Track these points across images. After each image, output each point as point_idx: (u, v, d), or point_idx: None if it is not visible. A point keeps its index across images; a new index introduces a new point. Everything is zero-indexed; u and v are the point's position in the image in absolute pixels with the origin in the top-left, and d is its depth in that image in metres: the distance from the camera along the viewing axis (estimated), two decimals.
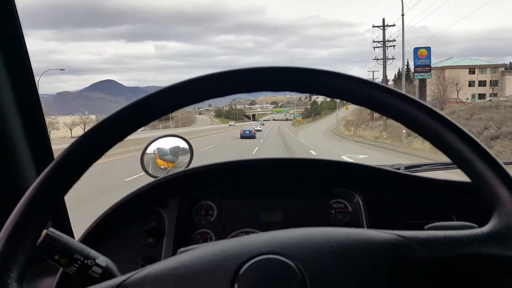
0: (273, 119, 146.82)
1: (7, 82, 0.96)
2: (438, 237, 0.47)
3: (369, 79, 0.51)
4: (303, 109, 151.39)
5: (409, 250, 0.46)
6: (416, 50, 30.95)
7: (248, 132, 34.41)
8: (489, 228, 0.47)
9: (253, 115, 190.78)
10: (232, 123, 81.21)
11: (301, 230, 0.50)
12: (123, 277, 0.46)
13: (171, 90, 0.50)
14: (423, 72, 31.30)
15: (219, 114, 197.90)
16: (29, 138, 1.03)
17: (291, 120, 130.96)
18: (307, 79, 0.51)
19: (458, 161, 0.50)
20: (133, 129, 0.50)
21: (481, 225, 0.84)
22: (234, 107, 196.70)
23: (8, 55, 0.96)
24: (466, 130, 0.49)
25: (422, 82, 32.98)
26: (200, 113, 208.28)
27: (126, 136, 0.50)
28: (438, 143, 0.50)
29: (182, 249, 0.52)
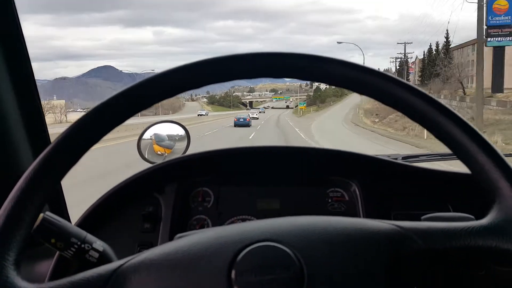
0: (272, 107, 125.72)
1: (4, 67, 0.95)
2: (436, 228, 0.47)
3: (367, 66, 0.50)
4: (305, 96, 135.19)
5: (408, 241, 0.46)
6: (490, 2, 18.73)
7: (242, 120, 32.52)
8: (488, 221, 0.47)
9: (250, 103, 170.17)
10: (203, 112, 64.74)
11: (299, 219, 0.50)
12: (120, 262, 0.46)
13: (167, 75, 0.49)
14: (502, 35, 19.04)
15: (212, 101, 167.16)
16: (26, 122, 1.03)
17: (292, 108, 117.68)
18: (316, 66, 0.50)
19: (459, 152, 0.49)
20: (129, 114, 0.49)
21: (477, 216, 0.86)
22: (230, 94, 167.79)
23: (5, 40, 0.95)
24: (467, 121, 0.48)
25: (499, 51, 19.58)
26: (193, 100, 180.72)
27: (122, 121, 0.49)
28: (439, 133, 0.49)
29: (179, 234, 0.52)
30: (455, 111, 0.49)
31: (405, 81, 0.50)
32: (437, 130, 0.49)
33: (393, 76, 0.50)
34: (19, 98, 1.00)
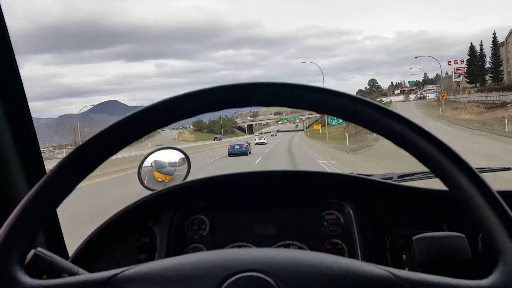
0: (277, 131, 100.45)
1: (1, 102, 0.96)
2: (431, 283, 0.45)
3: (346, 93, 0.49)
4: (318, 116, 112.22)
5: None
6: None
7: (238, 147, 24.86)
8: (488, 283, 0.44)
9: (250, 126, 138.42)
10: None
11: (292, 252, 0.50)
12: (116, 271, 0.47)
13: (179, 100, 0.49)
14: None
15: (199, 127, 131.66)
16: (22, 155, 1.02)
17: (302, 130, 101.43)
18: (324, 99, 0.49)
19: (463, 200, 0.47)
20: (121, 146, 0.50)
21: (470, 235, 0.85)
22: (221, 118, 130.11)
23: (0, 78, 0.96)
24: (472, 166, 0.46)
25: None
26: (172, 128, 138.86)
27: (114, 152, 0.50)
28: (445, 180, 0.48)
29: None
30: (459, 154, 0.47)
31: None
32: (442, 176, 0.48)
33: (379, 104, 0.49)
34: (14, 129, 1.00)
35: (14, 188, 1.00)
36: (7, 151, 0.98)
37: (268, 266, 0.46)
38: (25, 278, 0.46)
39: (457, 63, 68.71)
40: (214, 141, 58.01)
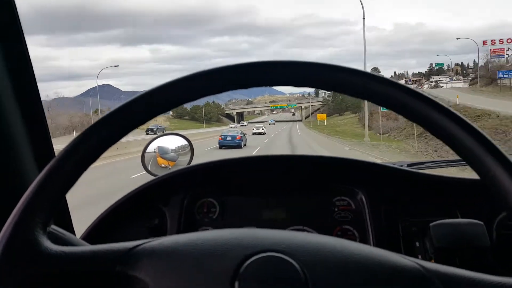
0: (269, 124, 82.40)
1: (9, 82, 0.96)
2: (462, 277, 0.43)
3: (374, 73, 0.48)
4: (319, 103, 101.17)
5: (428, 284, 0.43)
6: None
7: (230, 138, 21.27)
8: None
9: (240, 114, 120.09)
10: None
11: (316, 236, 0.50)
12: (137, 242, 0.48)
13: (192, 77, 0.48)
14: None
15: (180, 113, 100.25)
16: (31, 136, 1.03)
17: (300, 120, 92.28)
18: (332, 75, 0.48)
19: (497, 189, 0.45)
20: (138, 123, 0.49)
21: (485, 223, 0.83)
22: (208, 104, 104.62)
23: (10, 57, 0.96)
24: (507, 155, 0.45)
25: None
26: None
27: (128, 131, 0.50)
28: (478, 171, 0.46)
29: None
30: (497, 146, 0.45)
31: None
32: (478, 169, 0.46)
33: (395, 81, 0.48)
34: (23, 110, 1.00)
35: (22, 172, 1.01)
36: (17, 131, 0.99)
37: (291, 247, 0.45)
38: (47, 243, 0.46)
39: (494, 43, 58.59)
40: (148, 134, 38.66)
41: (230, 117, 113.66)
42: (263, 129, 40.80)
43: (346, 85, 0.48)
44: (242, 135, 21.87)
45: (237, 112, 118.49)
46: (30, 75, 1.02)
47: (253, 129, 39.06)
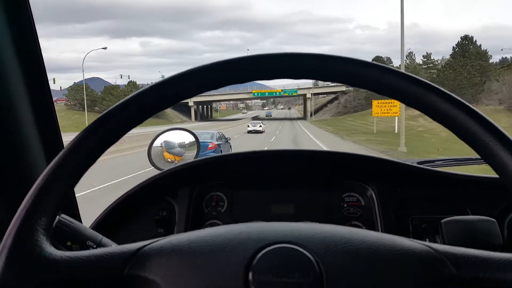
0: (254, 119, 55.21)
1: (19, 72, 0.95)
2: (473, 255, 0.43)
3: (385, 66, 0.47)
4: (330, 97, 73.30)
5: (439, 266, 0.43)
6: None
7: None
8: None
9: (206, 107, 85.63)
10: None
11: (324, 225, 0.49)
12: (144, 242, 0.47)
13: (192, 74, 0.48)
14: None
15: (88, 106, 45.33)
16: (40, 128, 1.01)
17: (301, 118, 66.18)
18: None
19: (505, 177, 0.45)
20: (143, 118, 0.49)
21: (498, 219, 0.83)
22: (131, 83, 62.26)
23: (22, 50, 0.95)
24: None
25: None
26: None
27: (135, 124, 0.49)
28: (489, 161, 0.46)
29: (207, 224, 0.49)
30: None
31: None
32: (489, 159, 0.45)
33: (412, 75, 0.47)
34: (33, 103, 0.99)
35: (31, 163, 0.99)
36: (26, 123, 0.98)
37: (302, 238, 0.45)
38: (51, 249, 0.44)
39: None
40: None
41: (184, 110, 69.40)
42: (261, 126, 32.01)
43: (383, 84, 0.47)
44: (220, 141, 12.29)
45: (195, 103, 65.20)
46: (41, 68, 1.00)
47: (248, 126, 32.27)
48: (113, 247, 0.47)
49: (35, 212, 0.44)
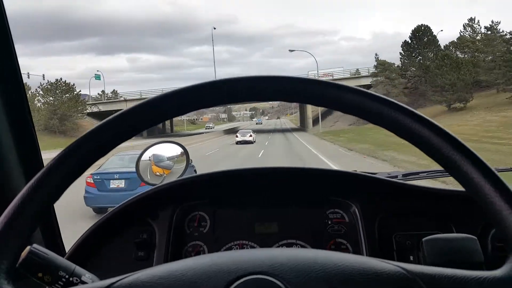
0: (239, 134, 29.24)
1: None
2: (445, 276, 0.43)
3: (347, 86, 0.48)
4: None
5: (413, 286, 0.43)
6: None
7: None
8: (503, 273, 0.43)
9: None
10: None
11: (298, 251, 0.49)
12: (112, 280, 0.46)
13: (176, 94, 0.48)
14: None
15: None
16: (19, 147, 0.98)
17: (300, 128, 50.86)
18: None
19: (476, 195, 0.45)
20: (127, 137, 0.49)
21: (480, 236, 0.82)
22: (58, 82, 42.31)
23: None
24: (490, 165, 0.45)
25: None
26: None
27: (117, 144, 0.49)
28: (454, 173, 0.46)
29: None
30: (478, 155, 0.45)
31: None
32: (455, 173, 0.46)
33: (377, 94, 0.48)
34: (12, 122, 0.96)
35: (11, 182, 0.96)
36: (5, 143, 0.94)
37: (274, 267, 0.44)
38: None
39: None
40: None
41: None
42: (251, 135, 28.36)
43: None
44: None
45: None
46: (20, 86, 0.97)
47: (236, 136, 28.66)
48: (82, 286, 0.46)
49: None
